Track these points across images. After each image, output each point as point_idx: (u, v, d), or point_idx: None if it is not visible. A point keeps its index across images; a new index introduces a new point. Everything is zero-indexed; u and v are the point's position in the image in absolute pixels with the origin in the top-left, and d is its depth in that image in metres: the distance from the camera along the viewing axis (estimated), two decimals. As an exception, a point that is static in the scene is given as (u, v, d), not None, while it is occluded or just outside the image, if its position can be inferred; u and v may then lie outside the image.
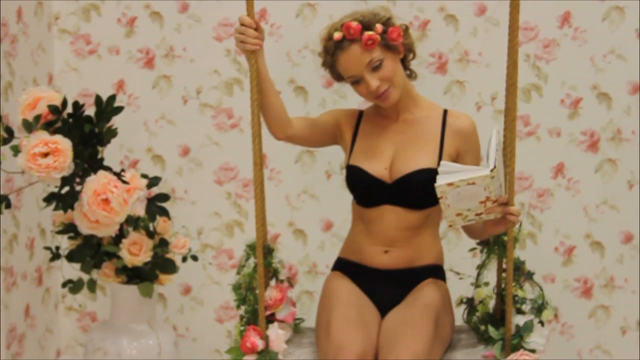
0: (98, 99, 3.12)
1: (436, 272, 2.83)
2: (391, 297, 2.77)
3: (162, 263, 3.22)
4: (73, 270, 3.37)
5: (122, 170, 3.17)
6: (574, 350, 3.78)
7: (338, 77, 2.76)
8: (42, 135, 2.94)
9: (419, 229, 2.76)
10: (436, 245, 2.85)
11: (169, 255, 3.25)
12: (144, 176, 3.17)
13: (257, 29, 2.60)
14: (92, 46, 3.85)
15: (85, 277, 3.30)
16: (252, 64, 2.61)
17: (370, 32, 2.60)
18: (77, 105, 3.07)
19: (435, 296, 2.71)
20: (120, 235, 3.19)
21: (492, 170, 2.40)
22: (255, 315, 2.71)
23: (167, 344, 3.38)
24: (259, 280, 2.65)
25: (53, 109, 3.01)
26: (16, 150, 2.98)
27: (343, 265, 2.87)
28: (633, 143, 3.64)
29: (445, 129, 2.74)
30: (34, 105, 3.03)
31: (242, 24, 2.58)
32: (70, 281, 3.29)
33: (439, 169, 2.50)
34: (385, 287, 2.78)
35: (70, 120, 3.06)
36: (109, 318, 3.42)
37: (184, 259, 3.32)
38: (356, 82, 2.67)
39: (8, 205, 3.06)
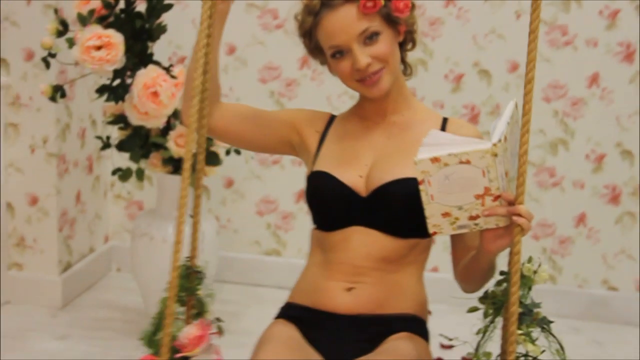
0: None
1: (414, 325, 2.05)
2: (350, 352, 1.97)
3: (206, 155, 3.35)
4: (122, 160, 3.52)
5: (171, 65, 3.29)
6: (600, 254, 3.90)
7: (314, 49, 2.05)
8: (96, 29, 3.06)
9: (397, 264, 2.02)
10: (418, 289, 2.08)
11: (213, 149, 3.36)
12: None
13: None
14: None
15: (134, 166, 3.43)
16: (204, 9, 2.01)
17: None
18: (129, 1, 3.19)
19: (410, 353, 1.94)
20: (168, 127, 3.30)
21: (494, 145, 1.63)
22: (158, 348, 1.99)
23: (209, 233, 3.49)
24: (168, 309, 1.94)
25: (106, 4, 3.13)
26: (70, 43, 3.11)
27: (289, 312, 2.10)
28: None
29: None
30: (87, 1, 3.14)
31: None
32: (119, 169, 3.42)
33: (424, 140, 1.73)
34: (344, 337, 2.01)
35: (122, 15, 3.18)
36: (155, 206, 3.56)
37: (228, 152, 3.44)
38: (339, 54, 1.97)
39: (63, 95, 3.21)
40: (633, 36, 3.67)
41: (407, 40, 2.05)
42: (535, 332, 1.79)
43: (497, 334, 1.82)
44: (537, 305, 1.82)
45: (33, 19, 3.46)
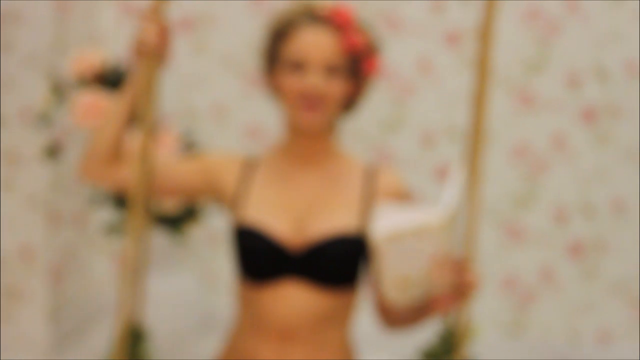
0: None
1: None
2: None
3: (188, 212, 3.47)
4: (112, 215, 3.61)
5: (157, 127, 3.38)
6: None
7: (271, 52, 2.01)
8: (91, 92, 3.19)
9: (328, 321, 1.99)
10: (346, 347, 2.06)
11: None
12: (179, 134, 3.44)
13: (160, 29, 2.00)
14: (138, 4, 4.07)
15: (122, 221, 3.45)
16: (143, 65, 1.99)
17: (360, 38, 1.96)
18: (123, 64, 3.34)
19: None
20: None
21: (443, 219, 1.71)
22: None
23: (193, 285, 3.67)
24: None
25: (101, 67, 3.26)
26: (66, 105, 3.24)
27: None
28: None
29: (370, 187, 2.03)
30: (84, 64, 3.27)
31: (143, 17, 2.02)
32: (109, 224, 3.51)
33: (376, 213, 1.80)
34: None
35: (117, 77, 3.31)
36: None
37: (208, 209, 3.51)
38: (297, 68, 1.94)
39: (57, 153, 3.34)
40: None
41: (352, 99, 2.05)
42: None
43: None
44: None
45: (29, 79, 3.58)
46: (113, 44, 4.09)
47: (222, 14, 4.04)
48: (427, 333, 1.97)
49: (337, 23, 1.94)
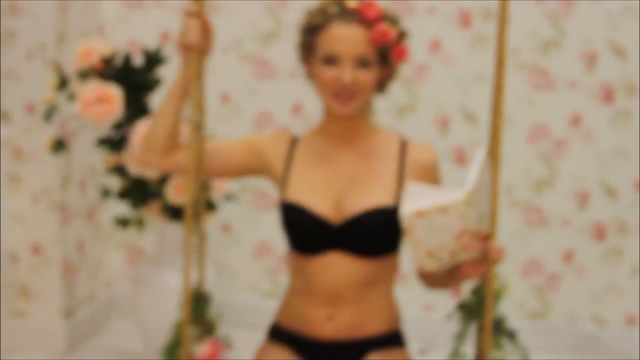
0: (145, 51, 3.35)
1: (391, 340, 2.27)
2: None
3: (204, 203, 3.44)
4: (122, 208, 3.61)
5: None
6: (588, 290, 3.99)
7: (307, 46, 2.19)
8: (95, 84, 3.18)
9: (371, 284, 2.20)
10: (391, 307, 2.27)
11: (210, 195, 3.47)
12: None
13: (204, 24, 2.19)
14: (139, -2, 4.09)
15: (134, 214, 3.51)
16: (190, 59, 2.18)
17: (389, 31, 2.11)
18: (126, 56, 3.31)
19: None
20: (166, 176, 3.39)
21: (468, 195, 1.87)
22: None
23: (208, 277, 3.54)
24: (183, 332, 2.21)
25: (104, 60, 3.25)
26: (71, 97, 3.23)
27: (279, 334, 2.30)
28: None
29: (405, 162, 2.20)
30: (87, 56, 3.25)
31: (185, 14, 2.18)
32: (120, 218, 3.50)
33: (405, 191, 1.95)
34: None
35: (120, 70, 3.30)
36: (155, 253, 3.65)
37: (224, 199, 3.55)
38: (331, 61, 2.11)
39: (64, 147, 3.31)
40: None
41: (383, 83, 2.22)
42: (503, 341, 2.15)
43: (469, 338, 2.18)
44: (504, 318, 2.18)
45: (34, 73, 3.58)
46: (115, 36, 4.10)
47: (227, 2, 4.00)
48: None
49: (367, 17, 2.09)
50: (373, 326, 2.22)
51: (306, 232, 2.16)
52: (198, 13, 2.15)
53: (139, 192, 3.42)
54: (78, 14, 3.82)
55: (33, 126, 3.62)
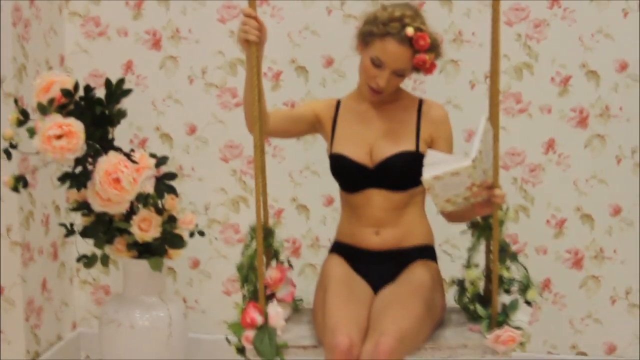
0: (108, 82, 3.26)
1: (426, 252, 2.93)
2: (384, 277, 2.85)
3: (170, 238, 3.36)
4: (87, 246, 3.51)
5: (132, 150, 3.31)
6: (566, 319, 3.92)
7: (365, 38, 2.79)
8: (56, 118, 3.08)
9: (404, 209, 2.88)
10: (424, 224, 2.96)
11: (177, 231, 3.37)
12: (153, 156, 3.29)
13: (259, 23, 2.63)
14: (102, 28, 3.99)
15: (99, 252, 3.42)
16: (252, 51, 2.63)
17: (429, 58, 2.74)
18: (88, 89, 3.22)
19: (425, 277, 2.79)
20: (131, 212, 3.32)
21: (473, 161, 2.46)
22: (256, 293, 2.74)
23: (177, 316, 3.51)
24: (258, 260, 2.68)
25: (66, 93, 3.15)
26: (32, 132, 3.12)
27: (338, 248, 2.97)
28: (620, 119, 3.74)
29: (421, 117, 2.87)
30: (48, 89, 3.16)
31: (244, 15, 2.62)
32: (84, 256, 3.42)
33: (425, 161, 2.59)
34: (379, 266, 2.87)
35: (82, 103, 3.20)
36: (122, 291, 3.56)
37: (192, 234, 3.45)
38: (378, 65, 2.75)
39: (25, 185, 3.21)
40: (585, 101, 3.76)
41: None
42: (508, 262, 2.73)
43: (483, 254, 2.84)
44: (508, 244, 2.76)
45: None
46: (77, 67, 4.02)
47: (194, 29, 3.93)
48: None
49: (417, 46, 2.72)
50: (411, 239, 2.90)
51: (349, 175, 2.86)
52: (254, 14, 2.60)
53: (104, 228, 3.34)
54: (38, 46, 3.74)
55: (-7, 163, 3.52)
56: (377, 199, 2.86)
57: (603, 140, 3.78)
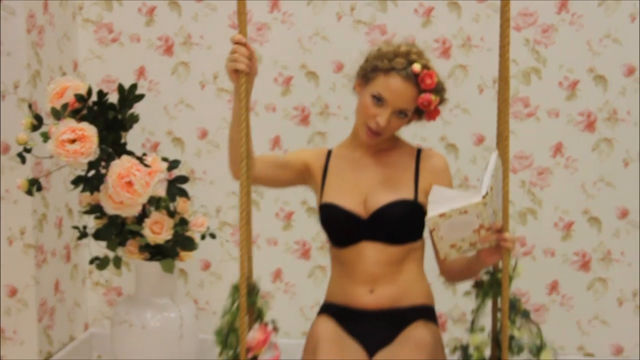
0: (121, 87, 3.30)
1: (425, 313, 2.64)
2: (379, 339, 2.56)
3: (182, 241, 3.40)
4: (99, 248, 3.55)
5: (144, 154, 3.35)
6: (574, 321, 3.94)
7: (368, 74, 2.58)
8: (70, 123, 3.12)
9: (401, 265, 2.60)
10: (423, 283, 2.68)
11: (188, 233, 3.41)
12: (165, 159, 3.34)
13: (250, 52, 2.42)
14: (114, 34, 4.03)
15: (111, 254, 3.47)
16: (241, 83, 2.40)
17: (434, 100, 2.53)
18: (101, 94, 3.26)
19: (426, 338, 2.52)
20: (143, 215, 3.36)
21: (484, 197, 2.25)
22: (237, 358, 2.47)
23: (188, 317, 3.55)
24: (241, 319, 2.42)
25: (79, 98, 3.20)
26: (45, 137, 3.17)
27: (328, 309, 2.68)
28: (628, 123, 3.77)
29: (420, 165, 2.63)
30: (62, 94, 3.21)
31: (234, 42, 2.41)
32: (97, 258, 3.46)
33: (429, 198, 2.42)
34: (373, 328, 2.58)
35: (95, 107, 3.25)
36: (134, 292, 3.60)
37: (203, 237, 3.48)
38: (379, 101, 2.52)
39: (39, 188, 3.26)
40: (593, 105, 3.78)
41: (408, 122, 2.65)
42: (519, 321, 2.46)
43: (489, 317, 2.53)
44: (519, 299, 2.48)
45: (8, 113, 3.52)
46: (90, 73, 4.06)
47: (205, 35, 3.97)
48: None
49: (423, 84, 2.52)
50: (409, 298, 2.61)
51: (340, 226, 2.61)
52: (244, 41, 2.40)
53: (116, 231, 3.38)
54: (52, 52, 3.78)
55: (7, 167, 3.55)
56: (371, 253, 2.58)
57: (610, 144, 3.80)
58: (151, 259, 3.43)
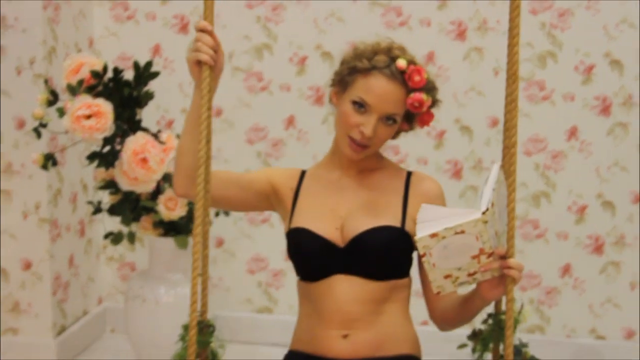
0: (136, 65, 3.32)
1: None
2: None
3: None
4: (113, 223, 3.58)
5: (159, 130, 3.37)
6: (586, 304, 3.95)
7: (344, 80, 2.15)
8: (85, 99, 3.15)
9: (383, 306, 2.14)
10: (408, 328, 2.20)
11: (202, 211, 3.43)
12: (179, 137, 3.36)
13: (216, 42, 2.08)
14: (130, 12, 4.04)
15: (125, 229, 3.50)
16: (204, 77, 2.06)
17: (426, 100, 2.09)
18: (117, 71, 3.28)
19: None
20: (157, 191, 3.38)
21: (484, 213, 1.84)
22: None
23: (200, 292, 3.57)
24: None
25: (95, 74, 3.22)
26: (61, 113, 3.19)
27: (294, 359, 2.22)
28: (643, 108, 3.79)
29: (409, 190, 2.18)
30: (77, 70, 3.23)
31: (197, 30, 2.08)
32: (111, 233, 3.48)
33: (418, 217, 1.95)
34: None
35: (111, 84, 3.27)
36: (147, 268, 3.63)
37: (217, 214, 3.51)
38: (361, 107, 2.08)
39: (54, 163, 3.28)
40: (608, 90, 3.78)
41: (398, 133, 2.23)
42: None
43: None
44: (525, 345, 2.09)
45: (23, 88, 3.54)
46: (106, 50, 4.07)
47: (217, 12, 3.98)
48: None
49: (411, 82, 2.08)
50: (391, 347, 2.15)
51: (311, 255, 2.14)
52: (210, 29, 2.06)
53: (131, 207, 3.40)
54: (67, 29, 3.79)
55: (23, 141, 3.58)
56: (346, 288, 2.11)
57: (625, 129, 3.80)
58: (165, 235, 3.45)
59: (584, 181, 3.86)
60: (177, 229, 3.44)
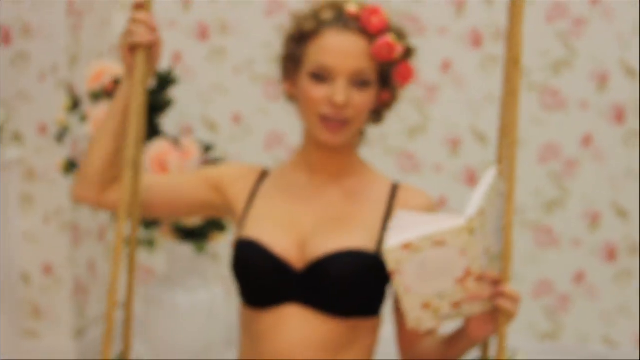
0: (157, 72, 3.37)
1: None
2: None
3: (214, 222, 3.45)
4: (133, 228, 3.62)
5: (179, 137, 3.42)
6: (598, 311, 3.95)
7: (292, 57, 1.78)
8: (107, 105, 3.20)
9: (341, 351, 1.70)
10: None
11: (220, 216, 3.46)
12: (199, 143, 3.40)
13: (152, 24, 1.79)
14: (151, 19, 4.09)
15: (144, 234, 3.52)
16: (139, 61, 1.75)
17: (395, 44, 1.70)
18: (138, 77, 3.32)
19: None
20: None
21: (470, 221, 1.43)
22: None
23: (219, 298, 3.61)
24: None
25: (116, 81, 3.26)
26: (83, 118, 3.24)
27: None
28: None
29: (393, 205, 1.75)
30: (99, 77, 3.28)
31: (133, 9, 1.81)
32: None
33: (391, 223, 1.58)
34: None
35: (132, 91, 3.31)
36: (165, 272, 3.66)
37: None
38: (321, 77, 1.70)
39: (75, 168, 3.33)
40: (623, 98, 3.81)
41: (380, 110, 1.82)
42: None
43: None
44: None
45: (46, 94, 3.59)
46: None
47: (238, 20, 4.02)
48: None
49: (370, 26, 1.70)
50: None
51: (259, 275, 1.71)
52: (147, 6, 1.79)
53: (150, 212, 3.42)
54: (90, 35, 3.83)
55: (45, 147, 3.63)
56: (298, 323, 1.69)
57: (640, 136, 3.84)
58: (184, 240, 3.47)
59: (598, 188, 3.88)
60: (195, 234, 3.46)
